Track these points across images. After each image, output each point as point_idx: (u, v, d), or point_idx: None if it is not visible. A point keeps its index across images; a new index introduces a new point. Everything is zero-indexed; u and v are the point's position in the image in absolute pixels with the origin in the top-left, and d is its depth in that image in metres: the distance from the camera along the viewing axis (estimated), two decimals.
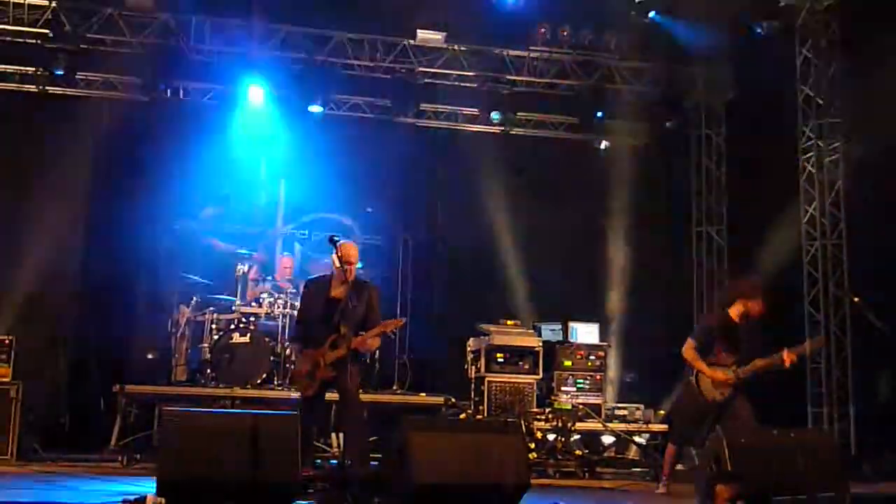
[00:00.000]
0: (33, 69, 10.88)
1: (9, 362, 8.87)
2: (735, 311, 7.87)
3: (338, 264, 7.49)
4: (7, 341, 8.92)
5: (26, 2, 10.46)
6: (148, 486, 6.37)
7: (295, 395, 8.39)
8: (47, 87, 10.95)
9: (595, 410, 10.16)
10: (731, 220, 12.20)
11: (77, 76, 10.88)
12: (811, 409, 10.73)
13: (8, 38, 10.62)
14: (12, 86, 10.96)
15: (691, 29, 11.09)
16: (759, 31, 10.78)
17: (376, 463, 7.44)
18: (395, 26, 11.28)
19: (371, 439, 7.84)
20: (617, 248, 11.81)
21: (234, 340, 9.72)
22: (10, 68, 10.94)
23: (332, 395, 7.68)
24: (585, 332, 10.76)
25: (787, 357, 7.66)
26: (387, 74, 11.58)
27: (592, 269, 11.80)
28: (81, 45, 10.57)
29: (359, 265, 7.68)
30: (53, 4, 10.46)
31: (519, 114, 12.20)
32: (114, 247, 10.33)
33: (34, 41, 10.63)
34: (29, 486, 7.30)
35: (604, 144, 12.38)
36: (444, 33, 11.42)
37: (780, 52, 10.87)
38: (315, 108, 11.56)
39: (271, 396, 9.36)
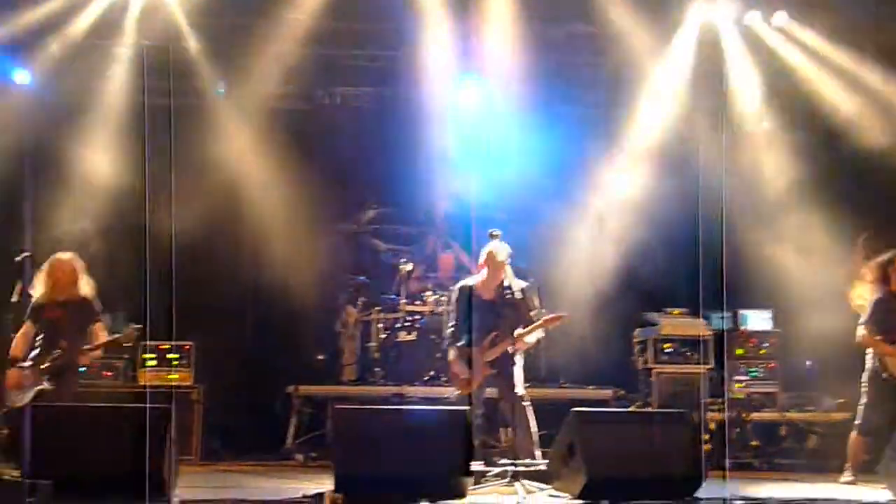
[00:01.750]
0: (192, 84, 11.17)
1: (190, 367, 9.32)
2: (894, 283, 7.60)
3: (487, 268, 7.58)
4: (188, 347, 9.36)
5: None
6: (325, 483, 6.56)
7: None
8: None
9: (770, 399, 9.83)
10: None
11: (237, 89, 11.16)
12: None
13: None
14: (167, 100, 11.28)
15: None
16: None
17: (546, 457, 7.42)
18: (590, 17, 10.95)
19: (539, 433, 7.81)
20: (790, 231, 11.28)
21: (400, 339, 9.88)
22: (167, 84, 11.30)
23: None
24: (757, 319, 10.39)
25: None
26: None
27: (764, 253, 11.33)
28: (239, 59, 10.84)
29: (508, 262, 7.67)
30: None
31: None
32: (281, 252, 10.62)
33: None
34: (215, 485, 7.62)
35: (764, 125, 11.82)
36: None
37: None
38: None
39: (439, 394, 9.45)
